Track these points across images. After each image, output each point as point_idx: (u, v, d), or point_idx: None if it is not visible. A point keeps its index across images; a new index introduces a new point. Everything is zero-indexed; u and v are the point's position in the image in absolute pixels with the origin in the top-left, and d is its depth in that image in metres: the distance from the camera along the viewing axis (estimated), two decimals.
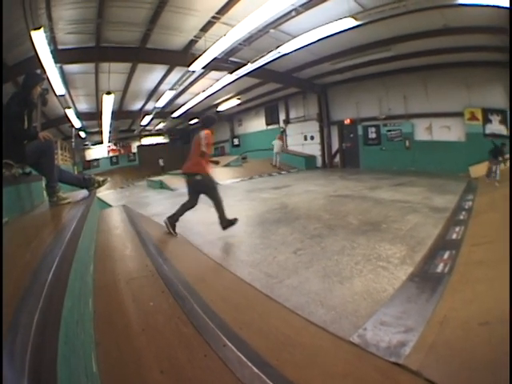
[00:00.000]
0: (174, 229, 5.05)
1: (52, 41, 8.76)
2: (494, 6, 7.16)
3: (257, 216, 6.68)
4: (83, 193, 4.58)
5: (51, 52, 8.25)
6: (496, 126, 12.51)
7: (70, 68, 11.84)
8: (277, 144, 18.42)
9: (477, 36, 10.10)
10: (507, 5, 6.59)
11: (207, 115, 6.04)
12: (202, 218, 6.61)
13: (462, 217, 5.45)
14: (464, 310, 2.30)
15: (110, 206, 7.50)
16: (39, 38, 7.21)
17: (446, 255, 3.53)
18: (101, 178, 4.94)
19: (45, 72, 9.11)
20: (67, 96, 14.42)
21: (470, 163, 12.36)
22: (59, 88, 11.46)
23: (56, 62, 9.07)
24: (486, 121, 12.73)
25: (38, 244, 1.91)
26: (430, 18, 9.45)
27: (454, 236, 4.29)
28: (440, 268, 3.22)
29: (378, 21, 9.13)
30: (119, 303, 2.07)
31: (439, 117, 14.43)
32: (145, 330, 1.82)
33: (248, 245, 4.68)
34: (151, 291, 2.23)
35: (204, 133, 5.21)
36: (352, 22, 8.54)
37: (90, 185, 4.62)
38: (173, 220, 5.11)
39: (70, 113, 16.66)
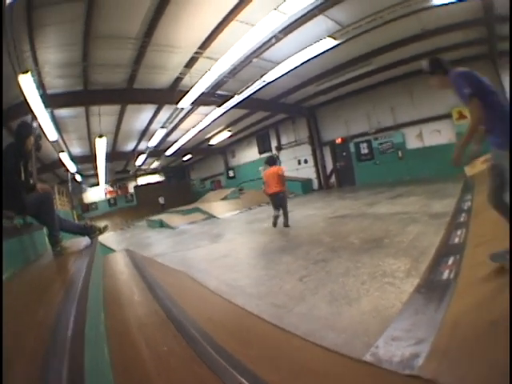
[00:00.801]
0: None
1: (40, 85, 8.89)
2: None
3: (259, 247, 6.69)
4: (85, 240, 4.58)
5: (40, 96, 8.36)
6: None
7: (61, 113, 12.07)
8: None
9: (454, 34, 10.42)
10: None
11: (271, 157, 9.77)
12: (204, 255, 6.76)
13: (462, 219, 5.42)
14: (474, 312, 2.29)
15: (113, 250, 7.50)
16: (27, 82, 7.30)
17: (451, 261, 3.52)
18: (102, 225, 5.01)
19: (36, 118, 9.26)
20: (60, 140, 14.59)
21: (465, 163, 12.36)
22: (51, 133, 11.58)
23: (46, 107, 9.18)
24: None
25: (49, 298, 1.93)
26: (407, 25, 9.73)
27: (457, 240, 4.27)
28: (446, 275, 3.20)
29: (356, 36, 9.38)
30: (133, 349, 2.05)
31: (428, 122, 14.73)
32: (160, 374, 1.82)
33: (253, 277, 4.68)
34: (163, 336, 2.22)
35: (280, 168, 8.70)
36: (331, 42, 8.77)
37: (92, 232, 4.64)
38: (287, 221, 8.28)
39: (64, 157, 16.83)
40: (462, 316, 2.31)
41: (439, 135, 14.50)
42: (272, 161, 8.88)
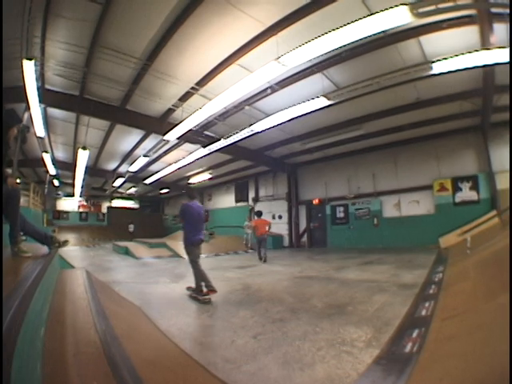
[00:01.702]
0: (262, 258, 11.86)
1: (40, 77, 8.77)
2: (472, 68, 7.48)
3: (218, 296, 6.39)
4: (45, 249, 4.40)
5: (38, 89, 8.23)
6: (466, 193, 13.12)
7: (53, 112, 11.85)
8: (248, 225, 17.88)
9: (448, 105, 10.72)
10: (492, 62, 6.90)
11: (259, 211, 13.73)
12: (162, 293, 6.62)
13: (431, 291, 5.35)
14: None
15: (72, 266, 7.14)
16: (29, 69, 7.16)
17: (415, 333, 3.38)
18: (62, 239, 4.80)
19: (29, 107, 9.10)
20: (46, 140, 14.29)
21: (440, 234, 12.63)
22: (40, 129, 11.38)
23: (40, 101, 9.01)
24: (456, 189, 13.36)
25: None
26: (403, 93, 10.01)
27: (424, 312, 4.15)
28: (408, 348, 3.05)
29: (350, 99, 9.62)
30: (65, 376, 1.85)
31: (408, 192, 15.02)
32: None
33: (207, 326, 4.47)
34: (95, 370, 2.01)
35: (267, 221, 12.80)
36: (325, 102, 8.88)
37: (51, 243, 4.45)
38: (266, 257, 11.90)
39: (47, 158, 16.40)
40: None
41: (417, 206, 14.79)
42: (260, 214, 12.98)
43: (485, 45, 6.93)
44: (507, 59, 6.50)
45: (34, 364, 1.81)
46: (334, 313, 4.80)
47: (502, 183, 11.85)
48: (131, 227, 28.46)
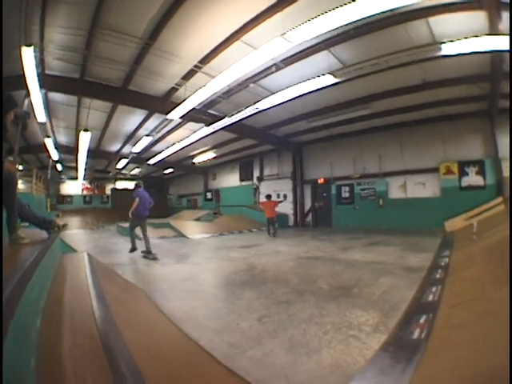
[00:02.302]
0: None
1: (40, 63, 8.67)
2: (481, 52, 7.31)
3: (223, 277, 6.41)
4: (45, 234, 4.34)
5: (38, 75, 8.10)
6: (473, 178, 13.00)
7: (54, 96, 11.73)
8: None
9: (456, 88, 10.54)
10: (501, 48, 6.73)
11: (268, 194, 15.04)
12: (166, 275, 6.55)
13: (438, 275, 5.23)
14: (443, 379, 2.08)
15: (74, 250, 7.12)
16: (29, 55, 7.04)
17: (423, 319, 3.28)
18: (61, 223, 4.77)
19: (29, 94, 8.98)
20: (48, 124, 14.27)
21: (446, 218, 12.50)
22: (41, 115, 11.24)
23: (41, 87, 8.89)
24: (463, 173, 13.23)
25: None
26: (410, 73, 9.80)
27: (431, 297, 4.05)
28: (416, 334, 2.96)
29: (356, 78, 9.42)
30: (59, 371, 1.77)
31: (414, 174, 14.89)
32: None
33: (211, 309, 4.37)
34: (92, 364, 1.93)
35: (275, 201, 14.90)
36: (331, 79, 8.69)
37: (50, 227, 4.41)
38: (275, 233, 13.48)
39: (49, 142, 16.38)
40: (431, 382, 2.12)
41: (423, 188, 14.67)
42: (269, 196, 14.73)
43: (493, 31, 6.76)
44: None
45: (27, 358, 1.74)
46: (340, 295, 4.75)
47: (508, 170, 11.62)
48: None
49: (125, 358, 1.93)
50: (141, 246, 8.82)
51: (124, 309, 3.44)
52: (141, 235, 8.95)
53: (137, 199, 8.82)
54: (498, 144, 12.20)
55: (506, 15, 6.29)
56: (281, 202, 15.44)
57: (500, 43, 6.54)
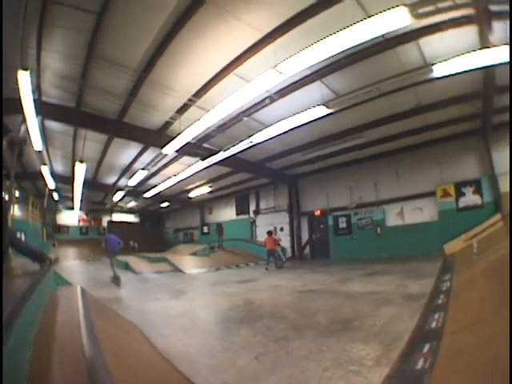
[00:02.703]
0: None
1: (37, 89, 8.71)
2: (473, 70, 7.32)
3: (218, 313, 6.29)
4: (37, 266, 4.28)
5: (34, 101, 8.09)
6: (470, 198, 12.97)
7: (51, 124, 11.72)
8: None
9: (449, 109, 10.62)
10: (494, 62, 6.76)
11: (269, 230, 16.28)
12: (161, 310, 6.45)
13: (440, 301, 5.15)
14: None
15: (68, 282, 6.98)
16: (25, 80, 7.02)
17: (426, 348, 3.19)
18: (53, 256, 4.75)
19: (25, 120, 8.89)
20: (44, 152, 14.20)
21: (445, 241, 12.46)
22: (37, 142, 11.19)
23: (37, 114, 8.86)
24: (459, 194, 13.22)
25: None
26: (403, 99, 9.91)
27: (434, 324, 3.96)
28: (420, 364, 2.86)
29: (350, 107, 9.54)
30: None
31: (411, 199, 14.91)
32: None
33: (206, 346, 4.23)
34: None
35: (275, 237, 15.56)
36: (324, 110, 8.76)
37: (42, 260, 4.35)
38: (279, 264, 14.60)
39: (46, 170, 16.20)
40: None
41: (421, 213, 14.65)
42: (270, 233, 15.48)
43: (484, 44, 6.83)
44: (507, 57, 6.37)
45: None
46: (339, 329, 4.61)
47: (505, 186, 11.60)
48: (132, 243, 27.07)
49: None
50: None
51: (114, 345, 3.31)
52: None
53: (103, 242, 11.16)
54: (494, 160, 12.24)
55: (497, 26, 6.36)
56: (280, 240, 16.26)
57: (492, 56, 6.57)
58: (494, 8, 6.09)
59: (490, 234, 10.14)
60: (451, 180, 13.63)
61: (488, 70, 8.01)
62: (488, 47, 6.59)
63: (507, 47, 6.23)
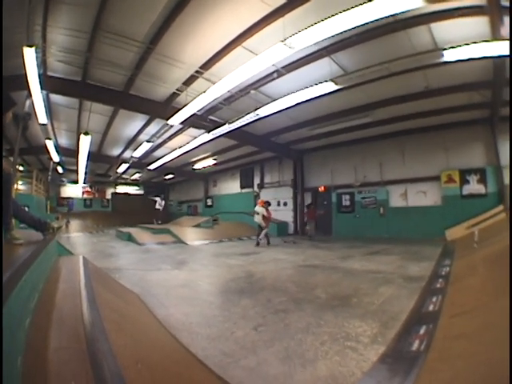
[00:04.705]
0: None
1: (42, 64, 8.69)
2: (483, 58, 7.22)
3: (220, 284, 6.35)
4: (40, 236, 4.28)
5: (39, 75, 8.08)
6: (474, 186, 12.91)
7: (56, 98, 11.69)
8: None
9: (458, 95, 10.50)
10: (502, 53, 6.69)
11: (310, 203, 16.54)
12: (162, 280, 6.50)
13: (439, 285, 5.20)
14: None
15: (71, 253, 7.06)
16: (30, 56, 7.01)
17: (423, 330, 3.24)
18: (56, 225, 4.68)
19: (30, 95, 8.96)
20: (49, 126, 14.21)
21: (446, 226, 12.52)
22: (42, 116, 11.23)
23: (42, 88, 8.87)
24: (464, 182, 13.14)
25: None
26: (412, 80, 9.78)
27: (431, 307, 4.00)
28: (415, 345, 2.91)
29: (358, 85, 9.39)
30: (44, 373, 1.72)
31: (415, 182, 14.83)
32: None
33: (206, 316, 4.28)
34: (76, 368, 1.85)
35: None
36: (332, 86, 8.64)
37: (45, 229, 4.34)
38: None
39: (50, 144, 16.28)
40: None
41: (424, 196, 14.59)
42: (311, 205, 15.35)
43: (495, 36, 6.74)
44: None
45: (14, 358, 1.71)
46: (338, 304, 4.67)
47: (509, 178, 11.57)
48: (158, 204, 22.25)
49: (109, 366, 1.85)
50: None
51: (114, 313, 3.36)
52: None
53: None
54: (500, 152, 12.14)
55: (507, 20, 6.26)
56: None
57: (502, 49, 6.51)
58: (504, 3, 6.01)
59: (492, 224, 10.14)
60: (456, 166, 13.53)
61: (499, 61, 7.90)
62: (498, 39, 6.52)
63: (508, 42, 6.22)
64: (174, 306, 4.64)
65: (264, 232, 13.07)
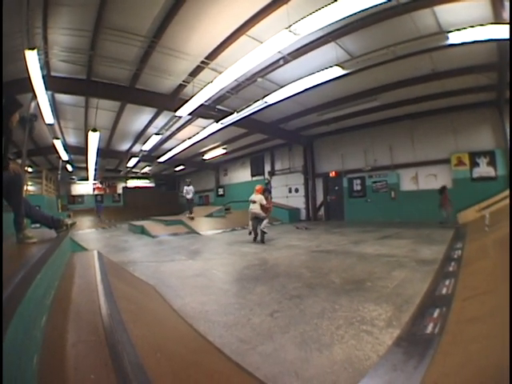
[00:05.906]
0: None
1: (45, 65, 8.80)
2: (487, 41, 7.23)
3: (235, 272, 6.37)
4: (53, 233, 4.32)
5: (43, 77, 8.18)
6: (484, 169, 12.83)
7: (61, 98, 11.83)
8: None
9: (464, 78, 10.44)
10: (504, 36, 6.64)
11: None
12: (177, 271, 6.49)
13: (451, 268, 5.18)
14: (456, 374, 2.02)
15: (85, 249, 7.15)
16: (33, 59, 7.12)
17: (436, 313, 3.24)
18: (69, 221, 4.73)
19: (35, 97, 9.08)
20: (56, 126, 14.42)
21: (458, 209, 12.44)
22: (48, 116, 11.38)
23: (47, 89, 8.96)
24: (474, 165, 13.07)
25: None
26: (418, 63, 9.73)
27: (444, 291, 4.00)
28: (430, 329, 2.91)
29: (364, 69, 9.36)
30: (61, 369, 1.74)
31: (425, 165, 14.75)
32: None
33: (222, 304, 4.32)
34: (95, 361, 1.88)
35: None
36: (339, 71, 8.60)
37: (58, 226, 4.37)
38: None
39: (58, 144, 16.54)
40: (444, 378, 2.05)
41: (435, 180, 14.50)
42: (444, 188, 12.61)
43: (497, 20, 6.74)
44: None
45: (29, 356, 1.72)
46: (352, 289, 4.68)
47: (508, 163, 11.60)
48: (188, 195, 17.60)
49: (129, 356, 1.89)
50: None
51: (132, 304, 3.42)
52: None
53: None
54: (508, 134, 11.96)
55: (508, 4, 6.26)
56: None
57: (503, 32, 6.49)
58: None
59: (503, 207, 10.02)
60: (466, 149, 13.42)
61: (502, 44, 7.89)
62: (500, 23, 6.51)
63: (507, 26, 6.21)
64: (189, 296, 4.67)
65: (264, 222, 10.32)
